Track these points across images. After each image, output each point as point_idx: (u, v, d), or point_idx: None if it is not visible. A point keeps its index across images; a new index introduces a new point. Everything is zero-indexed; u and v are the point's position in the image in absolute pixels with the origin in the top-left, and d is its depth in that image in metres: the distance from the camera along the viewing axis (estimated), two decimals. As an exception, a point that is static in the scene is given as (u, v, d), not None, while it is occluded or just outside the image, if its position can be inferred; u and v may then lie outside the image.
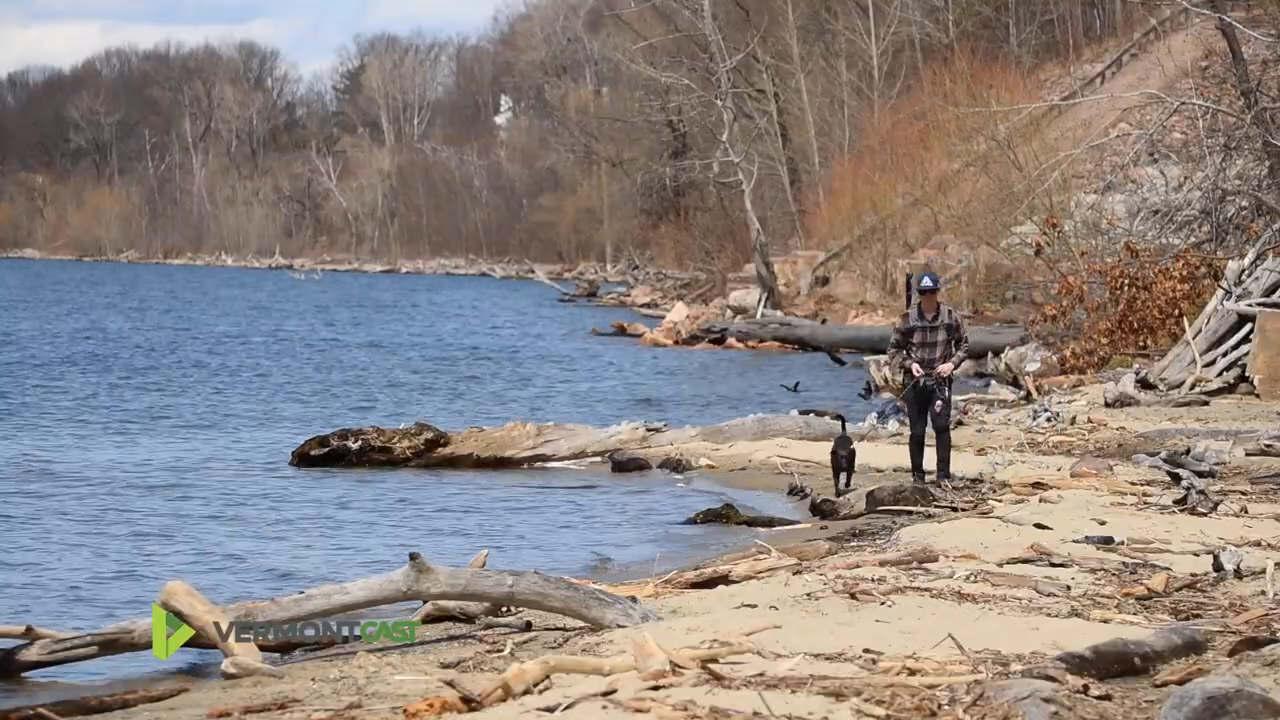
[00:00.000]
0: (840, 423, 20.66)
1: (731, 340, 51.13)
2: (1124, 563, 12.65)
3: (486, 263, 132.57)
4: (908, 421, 18.78)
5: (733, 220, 69.25)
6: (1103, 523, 14.40)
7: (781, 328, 51.49)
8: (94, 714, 10.16)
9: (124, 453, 24.18)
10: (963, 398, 27.99)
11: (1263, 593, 11.24)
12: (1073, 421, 22.84)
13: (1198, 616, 10.73)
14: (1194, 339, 26.94)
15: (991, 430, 23.10)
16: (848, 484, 18.61)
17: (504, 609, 12.03)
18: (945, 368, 17.96)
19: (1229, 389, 25.51)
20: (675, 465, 22.11)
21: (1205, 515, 14.84)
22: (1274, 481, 17.06)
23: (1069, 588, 11.68)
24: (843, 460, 18.70)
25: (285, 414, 30.19)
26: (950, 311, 18.24)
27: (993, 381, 31.35)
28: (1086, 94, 62.27)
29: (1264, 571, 11.64)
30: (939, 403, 18.05)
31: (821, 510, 17.81)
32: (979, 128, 46.71)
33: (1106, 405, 24.50)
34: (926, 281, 18.20)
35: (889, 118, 65.15)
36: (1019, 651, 9.54)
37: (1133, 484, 17.19)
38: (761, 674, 8.81)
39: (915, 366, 18.03)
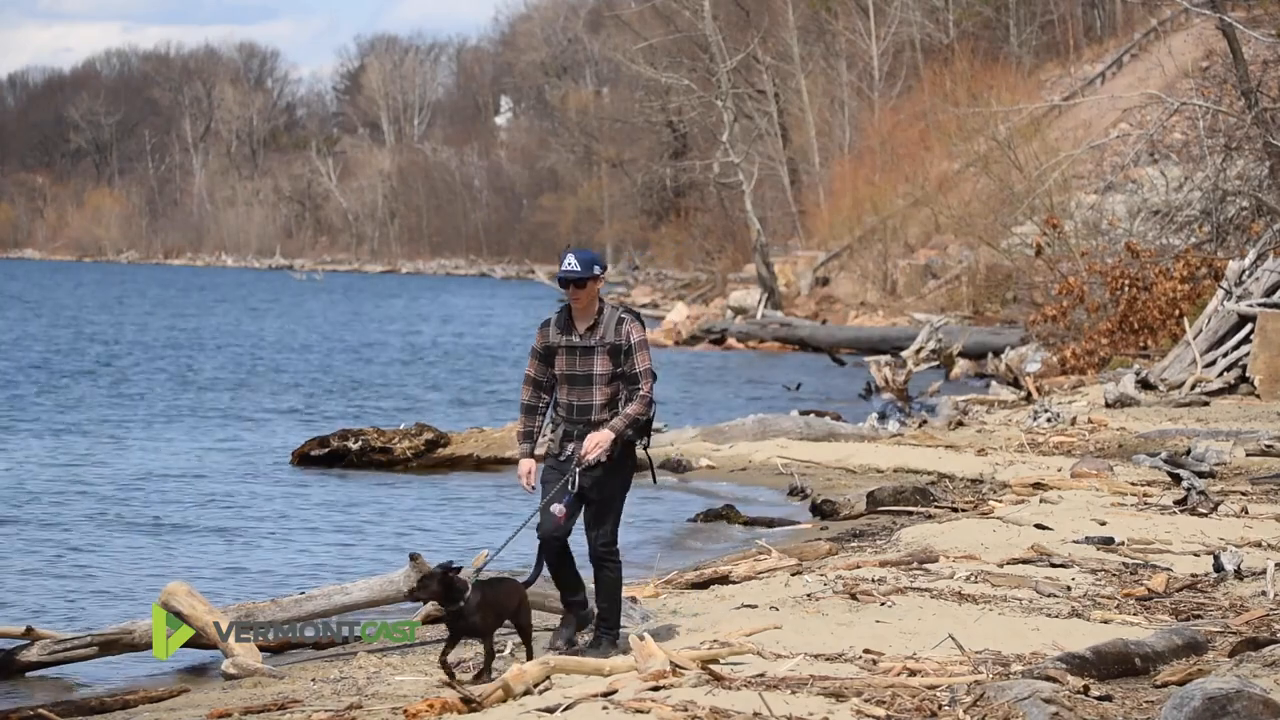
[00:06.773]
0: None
1: (732, 340, 51.18)
2: (1124, 563, 12.64)
3: (487, 263, 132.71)
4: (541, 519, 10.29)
5: (733, 220, 69.28)
6: (1103, 523, 14.39)
7: (782, 328, 51.51)
8: (94, 714, 10.16)
9: (124, 452, 24.17)
10: (963, 398, 27.98)
11: (1263, 593, 11.23)
12: (1073, 422, 22.81)
13: (1198, 617, 10.73)
14: (1194, 339, 26.91)
15: (992, 431, 23.09)
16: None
17: (504, 609, 12.02)
18: (592, 445, 10.03)
19: (1229, 389, 25.48)
20: (675, 465, 22.10)
21: (1205, 516, 14.83)
22: (1274, 482, 17.04)
23: (1069, 588, 11.68)
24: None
25: (285, 414, 30.18)
26: (621, 321, 10.08)
27: (993, 382, 31.38)
28: (1087, 94, 62.26)
29: (1264, 572, 11.64)
30: (593, 504, 10.14)
31: (822, 511, 17.81)
32: (979, 128, 46.70)
33: (1107, 406, 24.47)
34: (571, 262, 10.03)
35: (889, 118, 65.19)
36: (1019, 652, 9.54)
37: (1133, 484, 17.16)
38: (762, 674, 8.81)
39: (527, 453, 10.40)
